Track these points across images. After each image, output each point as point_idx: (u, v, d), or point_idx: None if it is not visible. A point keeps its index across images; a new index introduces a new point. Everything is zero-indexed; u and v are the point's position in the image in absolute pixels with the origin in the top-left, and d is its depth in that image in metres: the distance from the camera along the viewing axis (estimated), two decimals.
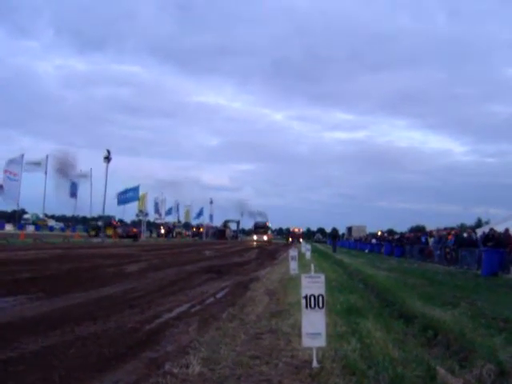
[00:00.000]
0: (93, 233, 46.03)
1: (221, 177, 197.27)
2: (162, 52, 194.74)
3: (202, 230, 76.57)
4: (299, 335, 4.68)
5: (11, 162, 40.04)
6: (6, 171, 38.91)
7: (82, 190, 48.82)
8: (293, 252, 13.19)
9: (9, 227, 52.17)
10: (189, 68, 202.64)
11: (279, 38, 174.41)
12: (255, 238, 73.94)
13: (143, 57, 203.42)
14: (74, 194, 47.58)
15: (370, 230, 70.58)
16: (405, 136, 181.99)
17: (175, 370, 4.11)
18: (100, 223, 43.75)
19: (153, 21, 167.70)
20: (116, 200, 46.99)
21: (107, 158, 36.00)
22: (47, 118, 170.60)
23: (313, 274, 4.45)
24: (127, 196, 47.42)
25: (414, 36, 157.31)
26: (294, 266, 12.81)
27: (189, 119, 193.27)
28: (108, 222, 47.15)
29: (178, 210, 74.16)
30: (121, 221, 55.57)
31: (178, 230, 72.45)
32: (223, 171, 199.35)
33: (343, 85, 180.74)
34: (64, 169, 40.78)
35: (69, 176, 42.90)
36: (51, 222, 66.08)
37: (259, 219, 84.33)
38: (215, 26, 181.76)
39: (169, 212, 69.62)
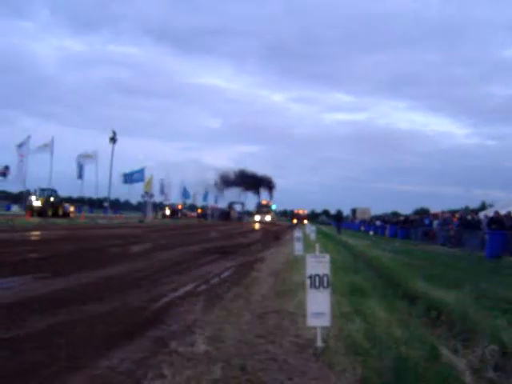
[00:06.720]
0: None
1: (223, 158, 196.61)
2: (159, 33, 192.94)
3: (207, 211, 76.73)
4: (304, 315, 4.70)
5: (20, 144, 40.30)
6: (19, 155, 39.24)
7: (87, 171, 48.77)
8: (297, 233, 13.21)
9: (15, 208, 52.48)
10: (186, 49, 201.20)
11: (276, 19, 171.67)
12: (258, 218, 70.86)
13: (140, 38, 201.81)
14: (80, 175, 47.67)
15: (374, 212, 70.35)
16: (406, 118, 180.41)
17: (181, 349, 4.15)
18: (106, 204, 43.94)
19: (148, 1, 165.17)
20: (122, 179, 47.31)
21: (113, 139, 35.91)
22: (46, 99, 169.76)
23: (318, 253, 4.46)
24: (133, 177, 47.72)
25: (411, 17, 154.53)
26: (298, 246, 12.82)
27: (188, 101, 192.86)
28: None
29: (184, 192, 74.44)
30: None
31: (183, 211, 72.70)
32: (225, 153, 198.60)
33: (342, 66, 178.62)
34: None
35: None
36: None
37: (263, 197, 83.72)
38: (211, 6, 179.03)
39: (180, 196, 70.42)
